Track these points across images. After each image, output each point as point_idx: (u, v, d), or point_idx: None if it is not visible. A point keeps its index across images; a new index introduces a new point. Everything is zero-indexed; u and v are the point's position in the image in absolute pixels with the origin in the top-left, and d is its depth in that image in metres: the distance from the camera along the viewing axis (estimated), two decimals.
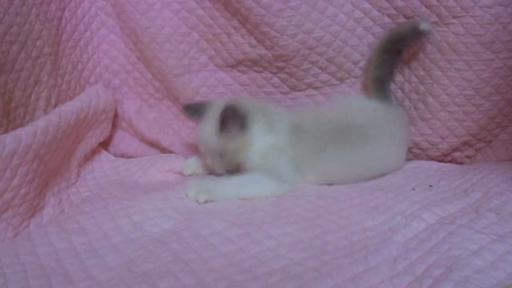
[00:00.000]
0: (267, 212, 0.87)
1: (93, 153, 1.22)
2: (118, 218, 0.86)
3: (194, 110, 1.10)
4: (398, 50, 1.13)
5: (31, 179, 0.94)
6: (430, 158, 1.16)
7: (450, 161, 1.16)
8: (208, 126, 1.03)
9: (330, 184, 1.03)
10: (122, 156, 1.26)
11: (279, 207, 0.90)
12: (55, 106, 1.12)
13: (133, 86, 1.25)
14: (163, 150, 1.26)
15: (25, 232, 0.90)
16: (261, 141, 1.01)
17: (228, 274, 0.66)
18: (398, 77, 1.16)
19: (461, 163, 1.16)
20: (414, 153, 1.16)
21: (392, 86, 1.17)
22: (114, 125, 1.27)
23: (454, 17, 1.04)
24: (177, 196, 0.96)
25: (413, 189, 0.95)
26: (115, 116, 1.25)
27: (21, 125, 1.02)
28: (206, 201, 0.94)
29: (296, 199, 0.93)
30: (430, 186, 0.97)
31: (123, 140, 1.27)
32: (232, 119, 0.98)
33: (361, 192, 0.95)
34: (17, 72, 1.03)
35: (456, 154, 1.15)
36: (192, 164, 1.14)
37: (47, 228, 0.87)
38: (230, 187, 0.96)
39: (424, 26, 1.06)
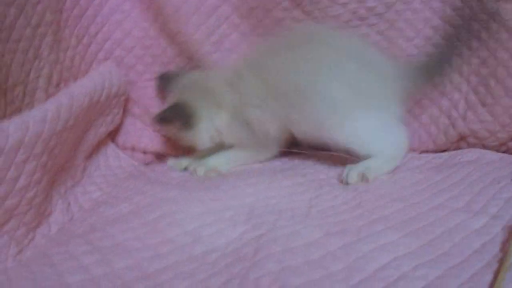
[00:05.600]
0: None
1: (99, 144, 1.02)
2: (163, 228, 0.68)
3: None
4: None
5: (38, 179, 0.75)
6: (485, 148, 1.02)
7: (505, 151, 1.02)
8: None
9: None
10: (133, 148, 1.06)
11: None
12: (57, 86, 0.92)
13: (150, 65, 1.05)
14: None
15: (31, 247, 0.71)
16: (209, 129, 0.97)
17: None
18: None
19: None
20: (470, 142, 1.03)
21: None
22: (125, 112, 1.07)
23: None
24: (230, 193, 0.79)
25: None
26: (126, 100, 1.06)
27: (20, 109, 0.83)
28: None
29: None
30: None
31: (134, 130, 1.07)
32: (176, 118, 0.94)
33: (442, 188, 0.78)
34: (15, 42, 0.82)
35: None
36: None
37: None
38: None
39: None
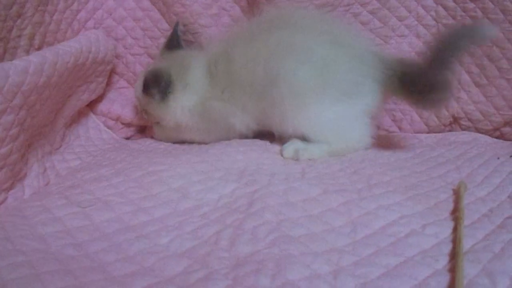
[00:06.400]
0: None
1: (80, 114, 0.97)
2: (147, 185, 0.64)
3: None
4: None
5: (15, 135, 0.70)
6: (478, 132, 0.99)
7: (497, 137, 0.99)
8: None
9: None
10: (117, 118, 1.01)
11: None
12: (39, 49, 0.87)
13: (141, 38, 1.01)
14: None
15: (1, 208, 0.65)
16: (178, 106, 0.90)
17: None
18: None
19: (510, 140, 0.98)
20: (463, 125, 1.00)
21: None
22: (111, 85, 1.03)
23: None
24: (219, 157, 0.75)
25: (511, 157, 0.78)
26: (112, 73, 1.02)
27: None
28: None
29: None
30: (511, 156, 0.79)
31: (120, 102, 1.02)
32: (154, 86, 0.89)
33: (441, 162, 0.75)
34: None
35: (506, 130, 0.99)
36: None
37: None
38: None
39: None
